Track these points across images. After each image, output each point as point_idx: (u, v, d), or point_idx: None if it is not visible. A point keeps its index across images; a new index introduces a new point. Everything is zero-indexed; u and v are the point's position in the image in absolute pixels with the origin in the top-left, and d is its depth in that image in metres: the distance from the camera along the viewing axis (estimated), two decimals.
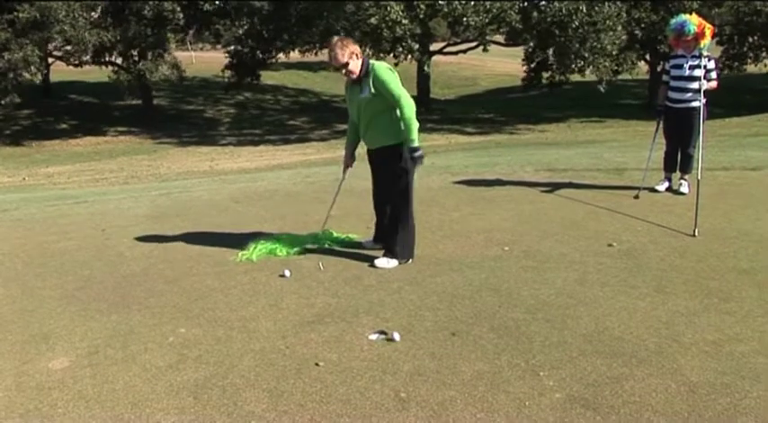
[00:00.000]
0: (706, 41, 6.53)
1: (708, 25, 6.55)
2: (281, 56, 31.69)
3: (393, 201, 4.96)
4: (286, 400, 3.07)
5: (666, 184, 6.98)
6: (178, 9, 26.78)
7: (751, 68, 31.06)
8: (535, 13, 26.43)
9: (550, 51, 26.96)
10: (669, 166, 7.01)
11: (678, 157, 6.89)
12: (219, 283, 4.66)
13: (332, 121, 29.88)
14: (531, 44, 27.96)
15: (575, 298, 4.11)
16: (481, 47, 29.58)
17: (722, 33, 30.73)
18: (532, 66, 29.47)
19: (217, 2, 29.35)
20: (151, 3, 26.08)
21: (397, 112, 4.75)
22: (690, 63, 6.58)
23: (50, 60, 30.07)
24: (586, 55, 25.11)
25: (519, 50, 31.73)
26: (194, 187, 9.27)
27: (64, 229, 6.38)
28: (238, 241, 5.60)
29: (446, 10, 25.82)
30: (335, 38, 4.88)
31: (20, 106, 27.28)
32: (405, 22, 24.46)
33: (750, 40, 29.22)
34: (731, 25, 30.17)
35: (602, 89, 26.57)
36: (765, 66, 30.25)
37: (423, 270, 4.76)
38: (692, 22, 6.47)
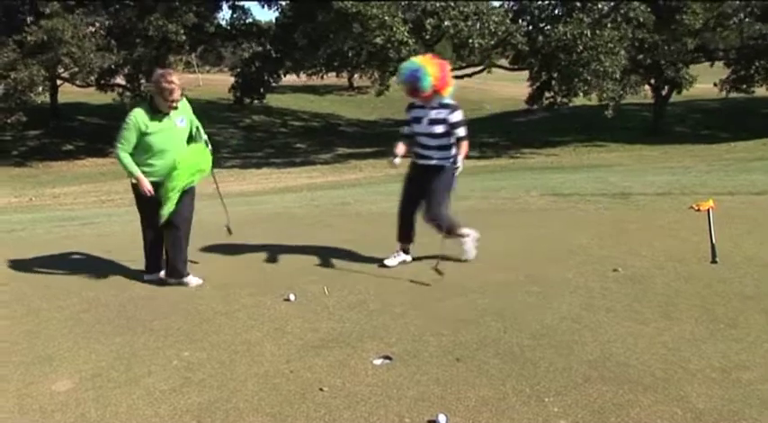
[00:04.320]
0: (449, 91, 5.27)
1: (449, 72, 5.26)
2: (290, 79, 31.90)
3: (185, 226, 5.47)
4: None
5: (401, 257, 5.58)
6: (182, 31, 27.08)
7: (762, 91, 30.99)
8: (540, 38, 26.63)
9: (555, 74, 27.11)
10: (406, 235, 5.59)
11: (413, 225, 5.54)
12: (224, 307, 4.66)
13: (337, 145, 29.99)
14: (536, 68, 28.15)
15: (580, 323, 4.09)
16: (486, 70, 29.74)
17: (728, 56, 30.84)
18: (536, 85, 29.62)
19: (221, 26, 29.69)
20: (155, 24, 26.36)
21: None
22: (430, 117, 5.25)
23: (58, 82, 30.36)
24: (589, 78, 25.22)
25: (524, 74, 31.90)
26: (199, 210, 9.24)
27: (70, 251, 6.39)
28: (244, 265, 5.61)
29: (452, 32, 25.99)
30: (165, 71, 5.13)
31: (27, 127, 27.48)
32: (410, 42, 24.60)
33: (756, 63, 29.21)
34: (736, 49, 30.25)
35: (608, 114, 26.60)
36: None
37: (427, 294, 4.75)
38: (429, 73, 5.06)
